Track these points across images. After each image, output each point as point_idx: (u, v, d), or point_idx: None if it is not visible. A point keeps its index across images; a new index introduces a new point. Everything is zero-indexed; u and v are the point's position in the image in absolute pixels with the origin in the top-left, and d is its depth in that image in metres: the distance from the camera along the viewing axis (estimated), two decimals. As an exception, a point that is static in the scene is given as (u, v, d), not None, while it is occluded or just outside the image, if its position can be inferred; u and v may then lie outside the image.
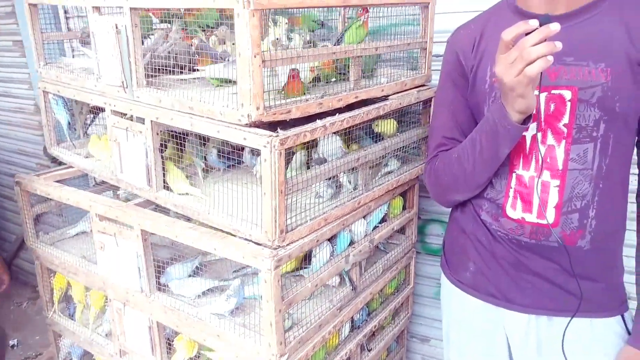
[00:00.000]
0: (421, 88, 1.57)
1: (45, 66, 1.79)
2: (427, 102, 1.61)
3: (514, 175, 1.10)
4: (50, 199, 1.80)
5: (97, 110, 1.83)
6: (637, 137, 1.06)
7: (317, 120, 1.23)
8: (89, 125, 1.89)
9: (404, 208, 1.70)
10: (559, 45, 0.85)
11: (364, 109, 1.36)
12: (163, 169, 1.44)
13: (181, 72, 1.46)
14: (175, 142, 1.56)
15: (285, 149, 1.14)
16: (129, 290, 1.52)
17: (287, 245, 1.22)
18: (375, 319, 1.64)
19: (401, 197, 1.67)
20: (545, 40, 0.85)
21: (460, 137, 1.19)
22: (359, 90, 1.37)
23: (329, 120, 1.25)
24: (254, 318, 1.35)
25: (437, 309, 2.07)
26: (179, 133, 1.45)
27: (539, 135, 1.05)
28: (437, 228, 2.00)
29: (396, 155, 1.57)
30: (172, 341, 1.53)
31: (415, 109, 1.66)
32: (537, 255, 1.10)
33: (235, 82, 1.16)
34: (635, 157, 1.10)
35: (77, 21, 2.89)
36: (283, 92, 1.27)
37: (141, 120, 1.41)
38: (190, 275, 1.50)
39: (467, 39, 1.15)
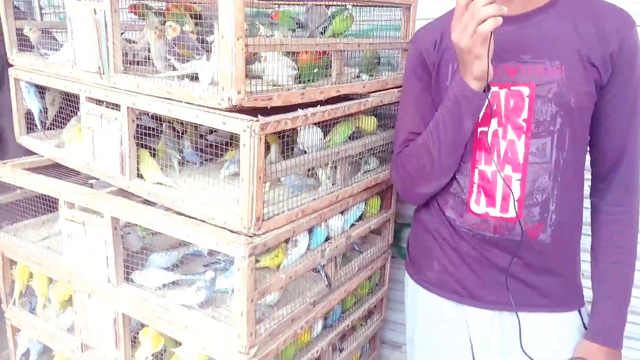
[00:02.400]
0: (400, 89, 1.59)
1: (18, 53, 1.75)
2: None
3: (476, 170, 1.13)
4: (17, 188, 1.74)
5: (70, 102, 1.79)
6: (590, 134, 1.10)
7: (299, 110, 1.23)
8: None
9: (380, 208, 1.71)
10: (505, 8, 0.93)
11: (346, 103, 1.36)
12: (137, 157, 1.41)
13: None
14: (150, 135, 1.55)
15: (265, 136, 1.13)
16: (95, 280, 1.47)
17: (263, 234, 1.20)
18: (349, 319, 1.62)
19: (379, 197, 1.68)
20: (493, 2, 0.93)
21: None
22: (342, 85, 1.38)
23: (310, 110, 1.24)
24: (225, 311, 1.32)
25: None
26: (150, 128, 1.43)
27: (500, 130, 1.09)
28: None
29: (375, 154, 1.58)
30: (137, 335, 1.49)
31: (395, 112, 1.68)
32: (501, 251, 1.12)
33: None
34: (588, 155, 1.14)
35: (52, 18, 2.85)
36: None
37: (117, 107, 1.39)
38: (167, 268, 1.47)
39: (430, 38, 1.20)
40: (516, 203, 1.09)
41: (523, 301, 1.14)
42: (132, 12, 1.48)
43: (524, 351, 1.10)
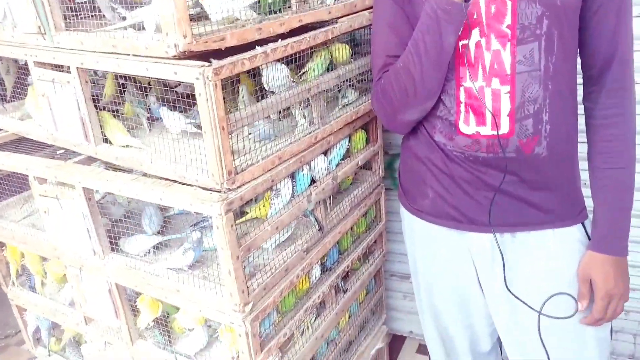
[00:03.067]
0: (372, 10, 1.44)
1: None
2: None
3: (461, 88, 1.04)
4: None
5: (26, 69, 1.67)
6: (578, 35, 1.01)
7: (257, 47, 1.10)
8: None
9: (367, 142, 1.61)
10: None
11: (310, 33, 1.23)
12: (100, 120, 1.31)
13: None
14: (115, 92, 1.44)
15: (222, 80, 1.02)
16: (82, 254, 1.42)
17: (238, 187, 1.12)
18: (348, 259, 1.58)
19: (364, 131, 1.57)
20: None
21: None
22: (303, 13, 1.24)
23: (270, 46, 1.12)
24: (215, 269, 1.27)
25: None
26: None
27: (483, 41, 0.99)
28: None
29: (353, 85, 1.45)
30: (136, 303, 1.46)
31: (368, 38, 1.53)
32: (496, 170, 1.05)
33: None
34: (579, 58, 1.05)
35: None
36: None
37: (66, 69, 1.27)
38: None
39: None
40: (507, 118, 1.00)
41: (522, 220, 1.09)
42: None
43: (507, 288, 1.08)
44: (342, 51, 1.37)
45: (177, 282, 1.25)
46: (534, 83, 0.98)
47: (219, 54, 1.05)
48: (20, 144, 1.67)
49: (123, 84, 1.51)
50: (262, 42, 1.14)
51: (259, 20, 1.15)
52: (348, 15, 1.36)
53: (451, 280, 1.22)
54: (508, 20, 0.96)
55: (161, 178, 1.21)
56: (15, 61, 1.72)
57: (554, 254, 1.09)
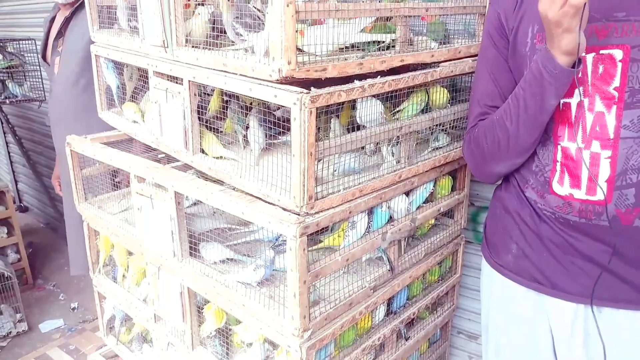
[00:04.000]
0: (475, 58, 1.42)
1: (99, 30, 1.81)
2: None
3: (559, 147, 1.00)
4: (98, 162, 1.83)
5: (146, 77, 1.83)
6: None
7: (355, 81, 1.13)
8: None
9: (452, 189, 1.57)
10: None
11: (410, 73, 1.24)
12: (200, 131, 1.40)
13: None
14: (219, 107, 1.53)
15: (317, 108, 1.05)
16: (162, 254, 1.50)
17: (316, 213, 1.13)
18: (415, 306, 1.52)
19: (450, 177, 1.54)
20: None
21: (502, 104, 1.08)
22: (406, 54, 1.26)
23: (368, 81, 1.15)
24: (282, 291, 1.28)
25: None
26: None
27: (586, 101, 0.95)
28: None
29: (446, 130, 1.44)
30: (203, 309, 1.51)
31: (467, 85, 1.52)
32: (587, 237, 0.99)
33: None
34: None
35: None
36: None
37: (180, 81, 1.38)
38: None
39: None
40: (605, 184, 0.95)
41: (613, 296, 1.00)
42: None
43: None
44: (440, 94, 1.37)
45: (244, 297, 1.28)
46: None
47: (320, 83, 1.10)
48: (129, 144, 1.82)
49: (227, 101, 1.61)
50: (361, 76, 1.17)
51: (361, 56, 1.18)
52: (451, 60, 1.36)
53: (523, 342, 1.15)
54: (616, 82, 0.92)
55: (247, 193, 1.26)
56: (139, 69, 1.90)
57: None
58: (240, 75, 1.18)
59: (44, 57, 2.45)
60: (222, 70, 1.23)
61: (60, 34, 2.28)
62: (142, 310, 1.72)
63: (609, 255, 0.98)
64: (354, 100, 1.19)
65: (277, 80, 1.07)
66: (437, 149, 1.44)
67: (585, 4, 0.83)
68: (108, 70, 1.78)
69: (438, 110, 1.37)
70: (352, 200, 1.21)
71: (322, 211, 1.15)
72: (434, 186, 1.46)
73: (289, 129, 1.43)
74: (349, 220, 1.25)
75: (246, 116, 1.61)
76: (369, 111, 1.22)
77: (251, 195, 1.25)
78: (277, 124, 1.48)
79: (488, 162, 1.10)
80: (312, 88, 1.06)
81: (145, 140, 1.65)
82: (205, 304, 1.52)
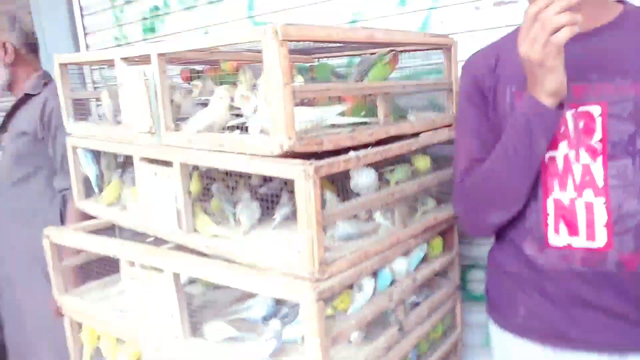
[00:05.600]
0: (451, 128, 1.57)
1: (75, 123, 1.82)
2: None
3: (549, 200, 1.04)
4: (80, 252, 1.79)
5: (124, 165, 1.85)
6: None
7: (351, 152, 1.22)
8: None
9: (443, 250, 1.65)
10: (579, 16, 0.84)
11: (397, 143, 1.35)
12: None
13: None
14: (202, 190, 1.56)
15: (320, 178, 1.12)
16: (162, 336, 1.46)
17: (328, 278, 1.17)
18: (426, 366, 1.55)
19: (441, 238, 1.63)
20: (568, 9, 0.85)
21: (488, 156, 1.13)
22: (390, 126, 1.37)
23: (362, 152, 1.24)
24: (296, 362, 1.29)
25: (487, 357, 1.96)
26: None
27: (572, 154, 1.01)
28: (478, 274, 1.92)
29: (431, 194, 1.55)
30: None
31: (447, 153, 1.64)
32: (593, 285, 1.01)
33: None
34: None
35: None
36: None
37: (169, 164, 1.41)
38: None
39: (484, 62, 1.17)
40: (604, 229, 0.99)
41: (632, 341, 1.01)
42: (185, 79, 1.54)
43: None
44: (423, 161, 1.48)
45: (260, 372, 1.27)
46: (631, 198, 0.97)
47: (311, 156, 1.16)
48: (105, 233, 1.79)
49: (208, 183, 1.64)
50: (353, 148, 1.25)
51: (351, 130, 1.28)
52: (429, 130, 1.49)
53: None
54: (598, 135, 0.98)
55: (251, 267, 1.28)
56: (115, 157, 1.91)
57: None
58: (238, 153, 1.24)
59: None
60: (218, 151, 1.28)
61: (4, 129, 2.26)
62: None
63: (617, 302, 1.00)
64: (336, 173, 1.25)
65: (279, 154, 1.14)
66: (425, 212, 1.53)
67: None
68: (87, 159, 1.79)
69: (424, 176, 1.47)
70: (358, 263, 1.25)
71: (332, 276, 1.18)
72: (427, 247, 1.54)
73: (276, 204, 1.51)
74: (357, 283, 1.29)
75: (232, 194, 1.65)
76: (365, 179, 1.30)
77: (256, 268, 1.27)
78: (263, 199, 1.54)
79: (481, 213, 1.13)
80: (311, 160, 1.13)
81: (131, 226, 1.64)
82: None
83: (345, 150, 1.23)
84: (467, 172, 1.17)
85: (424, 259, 1.54)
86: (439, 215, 1.53)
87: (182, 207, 1.41)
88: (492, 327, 1.26)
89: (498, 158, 1.06)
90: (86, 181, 1.88)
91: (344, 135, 1.23)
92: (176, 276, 1.40)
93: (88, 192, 1.88)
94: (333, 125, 1.36)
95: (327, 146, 1.20)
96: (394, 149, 1.33)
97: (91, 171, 1.81)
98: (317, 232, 1.13)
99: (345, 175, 1.35)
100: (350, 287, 1.30)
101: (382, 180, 1.42)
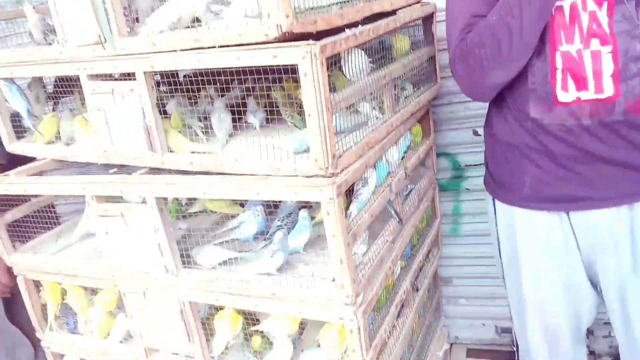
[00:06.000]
0: (423, 2, 1.49)
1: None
2: (429, 19, 1.54)
3: (557, 53, 1.01)
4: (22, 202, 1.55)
5: (57, 94, 1.60)
6: None
7: (346, 30, 1.10)
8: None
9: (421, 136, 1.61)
10: None
11: (384, 20, 1.25)
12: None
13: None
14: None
15: (327, 59, 1.00)
16: (149, 274, 1.32)
17: (340, 172, 1.08)
18: (419, 255, 1.54)
19: (420, 124, 1.58)
20: None
21: (489, 10, 1.04)
22: (373, 3, 1.25)
23: (358, 29, 1.12)
24: (307, 270, 1.21)
25: (455, 246, 2.00)
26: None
27: (579, 1, 0.98)
28: (443, 162, 1.92)
29: (409, 78, 1.47)
30: (205, 326, 1.35)
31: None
32: (601, 137, 1.01)
33: None
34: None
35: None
36: None
37: (130, 77, 1.22)
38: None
39: None
40: (611, 79, 0.98)
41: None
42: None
43: None
44: (403, 42, 1.39)
45: (273, 286, 1.18)
46: (636, 42, 0.97)
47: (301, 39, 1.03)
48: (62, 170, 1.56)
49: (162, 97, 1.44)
50: (342, 28, 1.14)
51: (340, 7, 1.15)
52: (404, 7, 1.39)
53: (556, 269, 1.15)
54: None
55: (248, 175, 1.16)
56: (44, 87, 1.64)
57: None
58: (220, 47, 1.08)
59: None
60: (193, 48, 1.11)
61: None
62: (126, 351, 1.50)
63: (626, 151, 1.01)
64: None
65: (275, 38, 0.99)
66: (406, 97, 1.46)
67: None
68: (12, 94, 1.50)
69: (406, 57, 1.39)
70: (363, 154, 1.17)
71: (344, 169, 1.09)
72: (410, 134, 1.49)
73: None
74: (362, 176, 1.21)
75: (195, 105, 1.48)
76: (357, 62, 1.19)
77: (256, 175, 1.15)
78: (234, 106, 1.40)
79: (487, 71, 1.05)
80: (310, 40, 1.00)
81: (86, 159, 1.42)
82: (207, 319, 1.38)
83: (335, 31, 1.11)
84: (468, 28, 1.08)
85: (409, 148, 1.49)
86: (421, 99, 1.48)
87: (153, 124, 1.23)
88: (498, 205, 1.23)
89: (507, 6, 0.99)
90: (13, 120, 1.60)
91: (334, 14, 1.10)
92: (160, 203, 1.25)
93: (18, 132, 1.61)
94: (312, 8, 1.22)
95: (321, 26, 1.06)
96: (383, 25, 1.23)
97: (21, 106, 1.51)
98: (328, 122, 1.02)
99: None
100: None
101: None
